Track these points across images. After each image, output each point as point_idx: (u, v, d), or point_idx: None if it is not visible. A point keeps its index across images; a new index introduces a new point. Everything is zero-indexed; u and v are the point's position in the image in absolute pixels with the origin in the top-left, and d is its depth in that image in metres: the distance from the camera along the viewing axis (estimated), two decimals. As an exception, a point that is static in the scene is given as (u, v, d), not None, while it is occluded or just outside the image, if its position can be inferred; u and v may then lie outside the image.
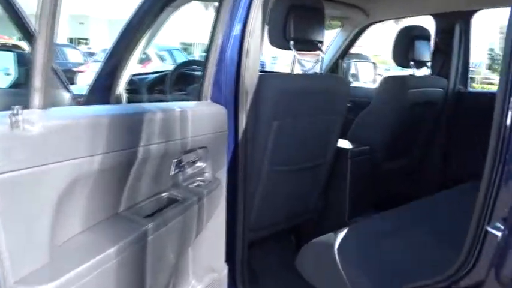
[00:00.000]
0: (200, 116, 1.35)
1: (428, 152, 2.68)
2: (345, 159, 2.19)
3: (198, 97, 1.48)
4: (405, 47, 2.33)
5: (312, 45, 1.81)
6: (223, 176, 1.48)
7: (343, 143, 2.23)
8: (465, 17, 2.55)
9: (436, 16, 2.61)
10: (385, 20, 2.93)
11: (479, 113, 2.58)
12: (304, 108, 1.80)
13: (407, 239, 1.61)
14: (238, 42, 1.51)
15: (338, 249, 1.52)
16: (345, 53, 3.13)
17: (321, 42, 1.83)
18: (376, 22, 2.87)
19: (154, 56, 9.59)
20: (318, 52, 1.84)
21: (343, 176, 2.20)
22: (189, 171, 1.35)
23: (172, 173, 1.26)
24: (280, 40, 1.73)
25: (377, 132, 2.33)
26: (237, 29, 1.51)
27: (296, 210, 2.10)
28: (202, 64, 1.52)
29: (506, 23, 1.06)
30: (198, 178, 1.38)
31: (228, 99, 1.50)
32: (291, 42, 1.73)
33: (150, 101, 2.34)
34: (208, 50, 1.49)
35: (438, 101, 2.51)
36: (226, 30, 1.50)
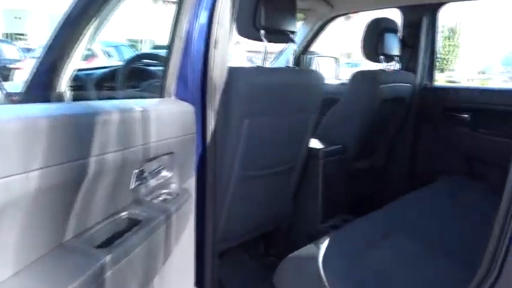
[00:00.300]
0: (165, 116, 1.13)
1: (396, 150, 2.60)
2: (316, 160, 2.04)
3: (160, 93, 1.25)
4: (375, 41, 2.21)
5: (283, 36, 1.64)
6: (192, 186, 1.27)
7: (314, 143, 2.08)
8: (432, 10, 2.48)
9: (402, 9, 2.52)
10: (350, 12, 2.82)
11: (445, 108, 2.57)
12: (278, 106, 1.63)
13: (396, 248, 1.48)
14: (205, 31, 1.30)
15: (323, 262, 1.35)
16: (307, 47, 2.99)
17: (293, 32, 1.66)
18: (340, 15, 2.75)
19: (99, 52, 9.07)
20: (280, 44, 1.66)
21: (315, 178, 2.05)
22: (153, 182, 1.12)
23: (133, 186, 1.03)
24: (249, 29, 1.54)
25: (348, 130, 2.20)
26: (203, 16, 1.30)
27: (268, 216, 1.93)
28: (165, 56, 1.30)
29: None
30: (164, 191, 1.16)
31: (195, 95, 1.30)
32: (262, 32, 1.55)
33: (100, 98, 2.07)
34: (171, 41, 1.27)
35: (406, 97, 2.43)
36: (191, 18, 1.29)
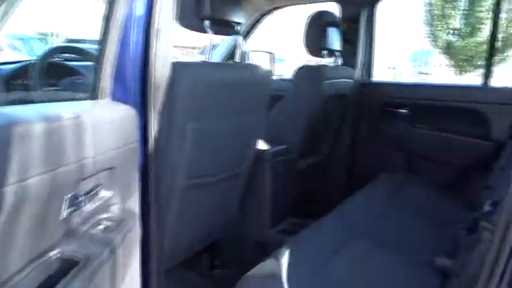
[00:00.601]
0: (101, 122, 0.92)
1: (337, 147, 2.56)
2: (263, 162, 1.91)
3: (92, 94, 1.03)
4: (317, 35, 2.12)
5: (229, 27, 1.47)
6: (135, 204, 1.06)
7: (259, 144, 1.94)
8: (370, 5, 2.45)
9: (341, 3, 2.47)
10: (289, 5, 2.71)
11: (384, 104, 2.57)
12: (226, 106, 1.46)
13: (358, 256, 1.39)
14: (144, 21, 1.10)
15: (286, 279, 1.22)
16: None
17: (239, 24, 1.50)
18: (279, 7, 2.64)
19: (5, 45, 8.17)
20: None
21: (262, 181, 1.92)
22: (89, 207, 0.90)
23: (65, 215, 0.81)
24: (193, 20, 1.36)
25: (293, 128, 2.10)
26: (142, 2, 1.10)
27: (214, 226, 1.76)
28: (97, 49, 1.07)
29: None
30: (104, 216, 0.94)
31: (136, 96, 1.09)
32: (206, 23, 1.37)
33: (11, 101, 1.75)
34: (104, 31, 1.05)
35: (347, 93, 2.38)
36: (128, 5, 1.08)
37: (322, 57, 2.19)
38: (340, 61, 2.32)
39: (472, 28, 14.59)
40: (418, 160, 2.42)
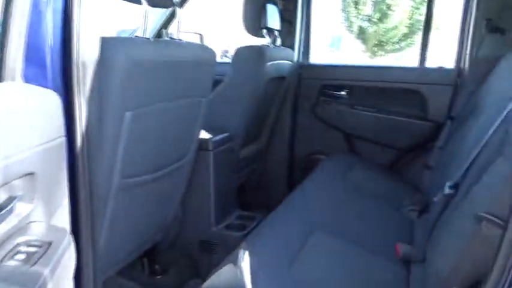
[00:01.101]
0: (12, 111, 0.68)
1: (276, 131, 2.44)
2: (206, 153, 1.72)
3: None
4: (257, 12, 1.96)
5: (169, 2, 1.27)
6: (65, 216, 0.83)
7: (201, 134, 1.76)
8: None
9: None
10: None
11: (323, 86, 2.50)
12: (167, 89, 1.26)
13: (320, 251, 1.28)
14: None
15: (253, 286, 1.07)
16: (169, 21, 2.59)
17: None
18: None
19: None
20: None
21: (205, 173, 1.74)
22: (1, 229, 0.66)
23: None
24: None
25: (235, 114, 1.93)
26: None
27: (155, 228, 1.55)
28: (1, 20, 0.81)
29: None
30: (22, 239, 0.70)
31: (56, 78, 0.85)
32: None
33: None
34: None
35: (286, 75, 2.26)
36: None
37: (262, 36, 2.04)
38: (279, 41, 2.19)
39: (381, 14, 15.35)
40: (358, 142, 2.38)
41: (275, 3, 2.07)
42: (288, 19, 2.33)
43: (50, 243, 0.67)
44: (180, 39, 1.35)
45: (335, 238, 1.37)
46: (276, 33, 2.12)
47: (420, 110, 2.23)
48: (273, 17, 2.02)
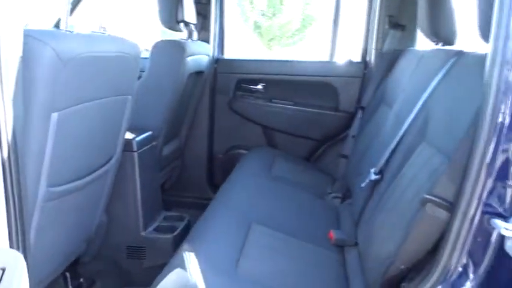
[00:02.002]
0: None
1: (195, 127, 2.40)
2: (130, 153, 1.63)
3: None
4: (173, 4, 1.90)
5: None
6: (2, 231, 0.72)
7: None
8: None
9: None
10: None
11: (239, 80, 2.50)
12: (93, 87, 1.16)
13: (264, 246, 1.29)
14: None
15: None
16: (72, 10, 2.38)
17: None
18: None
19: None
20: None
21: (131, 175, 1.64)
22: None
23: None
24: None
25: (157, 112, 1.85)
26: None
27: (80, 238, 1.42)
28: None
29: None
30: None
31: None
32: None
33: None
34: None
35: (204, 69, 2.23)
36: None
37: (179, 30, 1.97)
38: (195, 35, 2.14)
39: (275, 9, 15.86)
40: (276, 135, 2.44)
41: (191, -4, 2.02)
42: (201, 12, 2.28)
43: (3, 270, 0.57)
44: (103, 32, 1.25)
45: (273, 230, 1.39)
46: (193, 27, 2.08)
47: (332, 102, 2.36)
48: (189, 10, 1.97)
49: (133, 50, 1.32)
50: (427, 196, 0.86)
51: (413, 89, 1.59)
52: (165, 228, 1.74)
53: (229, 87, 2.43)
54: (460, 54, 1.33)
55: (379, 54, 2.22)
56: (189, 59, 1.89)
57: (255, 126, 2.45)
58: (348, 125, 2.31)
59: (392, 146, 1.40)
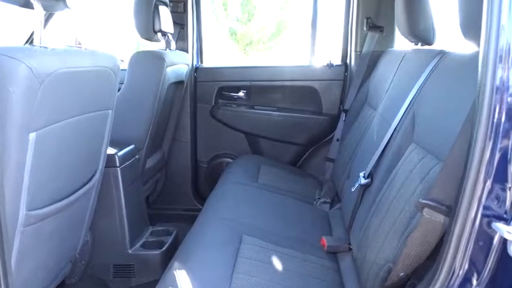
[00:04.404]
0: None
1: (178, 137, 2.36)
2: (113, 169, 1.58)
3: None
4: (150, 15, 1.86)
5: (60, 2, 1.11)
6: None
7: None
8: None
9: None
10: None
11: (220, 88, 2.46)
12: (72, 103, 1.11)
13: (258, 259, 1.25)
14: None
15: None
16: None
17: None
18: None
19: None
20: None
21: (115, 192, 1.59)
22: None
23: None
24: None
25: (138, 124, 1.81)
26: None
27: (65, 259, 1.36)
28: None
29: None
30: None
31: None
32: None
33: None
34: None
35: (184, 79, 2.19)
36: None
37: (157, 40, 1.93)
38: (173, 45, 2.10)
39: (249, 15, 15.90)
40: (261, 141, 2.42)
41: (166, 5, 1.98)
42: (178, 22, 2.25)
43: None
44: (79, 46, 1.20)
45: (264, 242, 1.36)
46: (170, 36, 2.04)
47: (315, 105, 2.35)
48: (166, 20, 1.93)
49: (111, 62, 1.27)
50: (423, 201, 0.84)
51: (397, 89, 1.59)
52: (153, 244, 1.69)
53: (210, 96, 2.40)
54: (442, 53, 1.33)
55: (359, 56, 2.22)
56: (168, 69, 1.85)
57: (239, 134, 2.42)
58: (332, 128, 2.31)
59: (380, 148, 1.39)
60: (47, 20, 2.15)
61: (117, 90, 1.36)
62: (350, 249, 1.41)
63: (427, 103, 1.24)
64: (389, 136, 1.37)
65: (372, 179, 1.39)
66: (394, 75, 1.68)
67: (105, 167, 1.50)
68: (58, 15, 2.23)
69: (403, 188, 1.11)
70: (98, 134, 1.32)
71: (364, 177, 1.42)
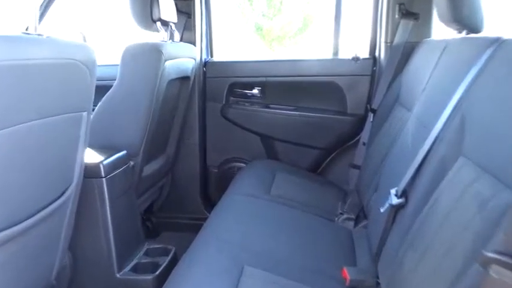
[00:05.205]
0: None
1: (185, 140, 2.13)
2: (97, 180, 1.35)
3: None
4: (147, 1, 1.62)
5: None
6: None
7: (87, 156, 1.38)
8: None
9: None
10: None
11: (232, 84, 2.22)
12: (24, 105, 0.88)
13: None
14: None
15: None
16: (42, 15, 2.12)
17: None
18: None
19: None
20: None
21: (100, 206, 1.37)
22: None
23: None
24: None
25: (132, 126, 1.58)
26: None
27: None
28: None
29: None
30: None
31: None
32: None
33: None
34: None
35: (190, 75, 1.95)
36: None
37: (156, 30, 1.70)
38: (177, 36, 1.86)
39: (275, 10, 15.59)
40: (277, 144, 2.16)
41: (169, -9, 1.74)
42: (184, 11, 2.01)
43: None
44: (39, 34, 0.97)
45: (271, 274, 1.10)
46: (173, 26, 1.80)
47: (339, 104, 2.07)
48: (167, 8, 1.69)
49: (82, 54, 1.04)
50: (489, 254, 0.57)
51: (438, 87, 1.30)
52: (146, 267, 1.46)
53: (221, 93, 2.15)
54: (499, 41, 1.04)
55: (390, 47, 1.92)
56: (168, 63, 1.62)
57: (252, 136, 2.17)
58: (357, 130, 2.02)
59: (417, 160, 1.10)
60: (46, 7, 1.96)
61: (93, 88, 1.12)
62: (378, 283, 1.14)
63: (482, 104, 0.95)
64: (429, 146, 1.08)
65: (406, 198, 1.11)
66: (433, 70, 1.38)
67: (86, 177, 1.27)
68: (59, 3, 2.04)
69: (450, 218, 0.84)
70: (69, 141, 1.09)
71: (396, 195, 1.14)
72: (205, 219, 2.11)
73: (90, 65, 1.07)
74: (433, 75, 1.37)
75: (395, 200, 1.12)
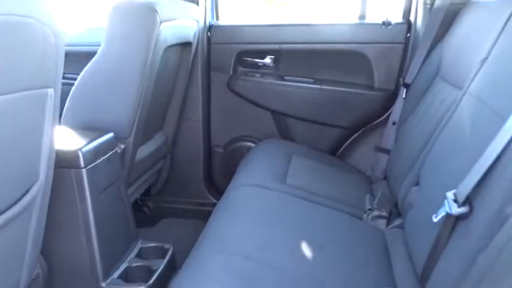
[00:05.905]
0: None
1: (186, 116, 1.86)
2: (75, 171, 1.09)
3: None
4: None
5: None
6: None
7: (63, 141, 1.13)
8: None
9: None
10: None
11: (240, 52, 1.93)
12: None
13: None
14: None
15: None
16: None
17: None
18: None
19: None
20: None
21: (79, 202, 1.12)
22: None
23: None
24: None
25: (121, 103, 1.31)
26: None
27: None
28: None
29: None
30: None
31: None
32: None
33: None
34: None
35: (192, 40, 1.66)
36: None
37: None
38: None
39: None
40: (291, 122, 1.89)
41: None
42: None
43: None
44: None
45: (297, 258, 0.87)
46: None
47: (365, 77, 1.78)
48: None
49: (39, 10, 0.75)
50: None
51: (509, 60, 1.01)
52: (138, 272, 1.23)
53: (228, 62, 1.87)
54: None
55: (430, 10, 1.62)
56: (164, 25, 1.33)
57: (263, 112, 1.89)
58: (387, 107, 1.75)
59: (488, 158, 0.83)
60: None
61: (62, 57, 0.84)
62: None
63: None
64: (508, 141, 0.81)
65: (471, 207, 0.85)
66: (497, 37, 1.09)
67: (61, 167, 1.02)
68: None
69: None
70: (30, 127, 0.82)
71: (455, 201, 0.87)
72: (209, 204, 1.89)
73: (55, 26, 0.79)
74: (498, 44, 1.08)
75: (455, 209, 0.86)
